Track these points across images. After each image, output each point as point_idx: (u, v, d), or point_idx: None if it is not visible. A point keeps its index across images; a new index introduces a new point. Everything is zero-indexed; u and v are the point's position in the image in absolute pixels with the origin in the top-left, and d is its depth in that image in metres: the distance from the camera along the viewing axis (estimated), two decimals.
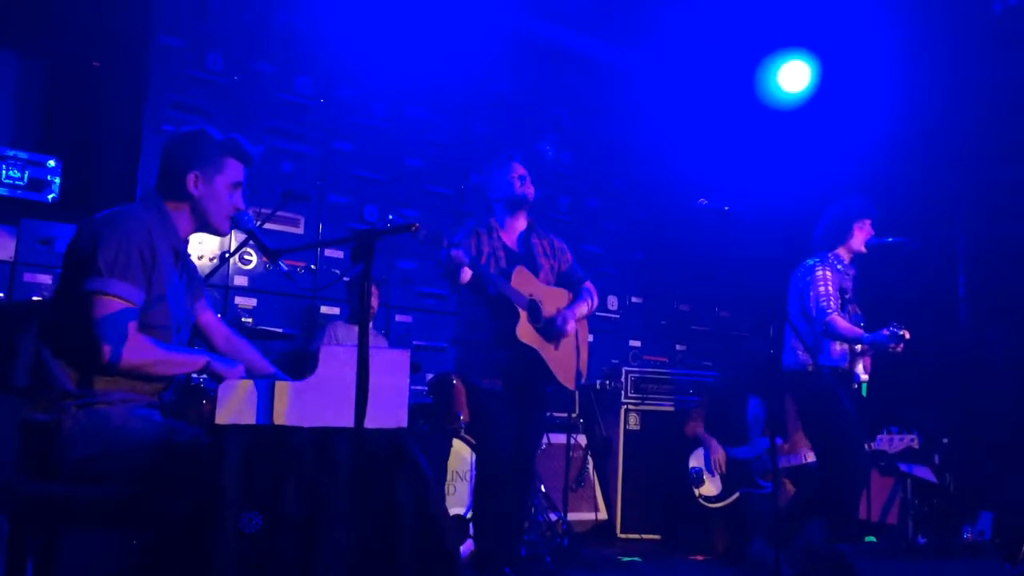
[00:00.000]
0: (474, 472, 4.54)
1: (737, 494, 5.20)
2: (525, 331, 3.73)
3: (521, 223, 4.04)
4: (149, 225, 2.52)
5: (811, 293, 4.47)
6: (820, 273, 4.50)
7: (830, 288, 4.45)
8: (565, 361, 3.92)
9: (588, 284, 4.11)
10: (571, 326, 3.87)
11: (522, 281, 3.79)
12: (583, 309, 4.00)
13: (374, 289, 5.12)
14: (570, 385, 3.94)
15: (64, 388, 2.40)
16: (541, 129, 6.52)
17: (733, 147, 6.87)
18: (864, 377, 4.53)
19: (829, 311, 4.39)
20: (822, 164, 6.30)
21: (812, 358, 4.40)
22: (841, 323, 4.37)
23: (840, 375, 4.48)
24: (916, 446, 4.82)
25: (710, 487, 5.29)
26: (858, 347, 4.47)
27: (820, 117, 6.54)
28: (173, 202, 2.63)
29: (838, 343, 4.45)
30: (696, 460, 5.38)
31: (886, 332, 4.25)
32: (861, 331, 4.37)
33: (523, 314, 3.73)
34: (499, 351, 3.77)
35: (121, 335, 2.37)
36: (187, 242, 2.70)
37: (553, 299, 3.93)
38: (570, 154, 6.60)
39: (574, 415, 5.62)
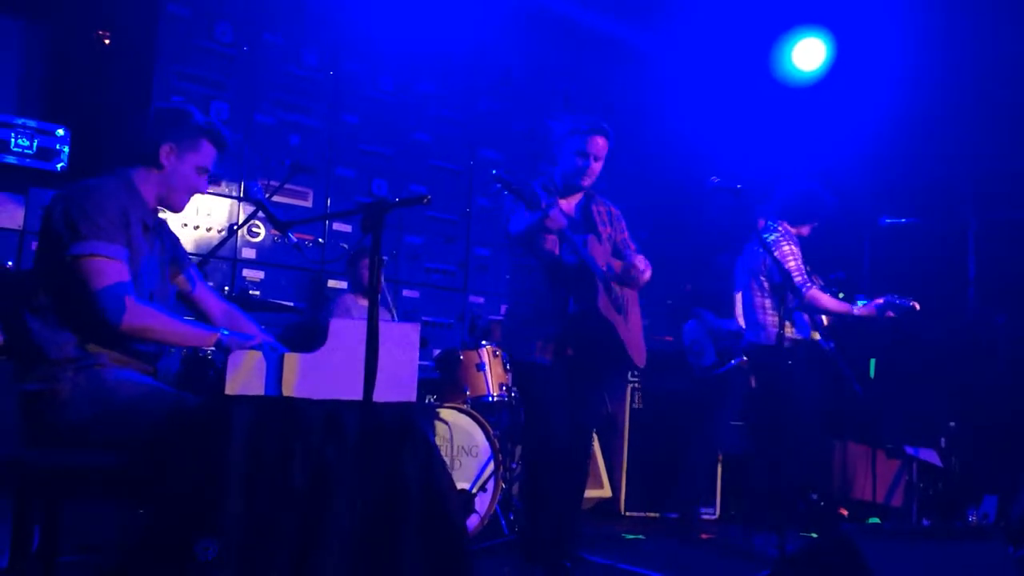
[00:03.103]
0: (491, 452, 4.53)
1: (732, 363, 5.22)
2: (605, 303, 3.51)
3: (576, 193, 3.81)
4: (120, 195, 2.55)
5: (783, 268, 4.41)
6: (786, 248, 4.45)
7: (799, 261, 4.41)
8: (635, 337, 3.73)
9: (641, 257, 3.84)
10: (643, 265, 3.65)
11: (595, 252, 3.56)
12: (646, 274, 3.74)
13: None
14: (640, 362, 3.74)
15: (53, 356, 2.42)
16: (549, 105, 6.46)
17: (746, 125, 6.81)
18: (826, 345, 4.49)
19: (807, 285, 4.34)
20: (836, 143, 6.25)
21: (780, 331, 4.35)
22: (824, 297, 4.34)
23: (807, 346, 4.44)
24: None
25: (708, 357, 5.31)
26: (824, 318, 4.44)
27: (834, 96, 6.47)
28: (142, 172, 2.65)
29: (804, 315, 4.41)
30: (691, 333, 5.40)
31: (880, 301, 4.22)
32: (848, 304, 4.33)
33: (601, 286, 3.50)
34: (558, 323, 3.55)
35: (122, 295, 2.40)
36: (156, 213, 2.71)
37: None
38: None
39: None
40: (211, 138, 2.70)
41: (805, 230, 4.60)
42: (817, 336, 4.47)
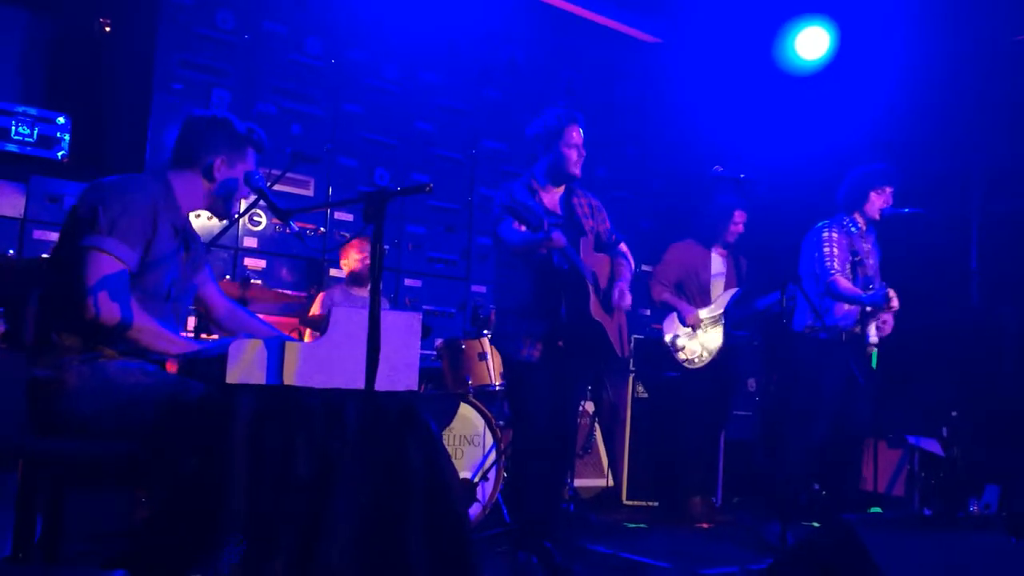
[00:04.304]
0: (494, 442, 4.56)
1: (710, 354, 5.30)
2: (596, 307, 3.63)
3: (561, 185, 3.90)
4: (155, 196, 2.58)
5: (816, 254, 4.51)
6: (827, 234, 4.56)
7: (835, 249, 4.49)
8: (622, 331, 3.85)
9: (623, 246, 3.97)
10: (628, 300, 3.77)
11: (585, 254, 3.67)
12: (629, 276, 3.88)
13: (367, 247, 5.05)
14: (624, 353, 3.85)
15: (64, 344, 2.42)
16: (553, 95, 6.44)
17: (749, 114, 6.78)
18: (874, 339, 4.52)
19: (832, 271, 4.44)
20: (839, 133, 6.23)
21: (819, 320, 4.43)
22: (842, 283, 4.41)
23: (846, 336, 4.48)
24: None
25: (691, 349, 5.32)
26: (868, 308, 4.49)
27: (838, 85, 6.45)
28: (186, 178, 2.70)
29: (846, 304, 4.48)
30: (671, 328, 5.39)
31: (879, 293, 4.28)
32: (860, 291, 4.39)
33: (592, 289, 3.61)
34: (546, 321, 3.65)
35: (114, 292, 2.39)
36: (187, 219, 2.75)
37: (601, 267, 3.82)
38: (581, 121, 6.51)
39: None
40: (255, 146, 2.80)
41: (872, 210, 4.58)
42: (872, 331, 4.49)
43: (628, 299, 3.78)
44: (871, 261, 4.63)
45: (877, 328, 4.48)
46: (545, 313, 3.65)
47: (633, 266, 3.96)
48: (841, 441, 4.52)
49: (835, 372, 4.47)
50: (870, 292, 4.40)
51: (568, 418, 3.83)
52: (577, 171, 3.80)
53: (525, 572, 3.63)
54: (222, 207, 2.79)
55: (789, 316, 4.69)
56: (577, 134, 3.77)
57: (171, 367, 2.67)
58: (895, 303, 4.31)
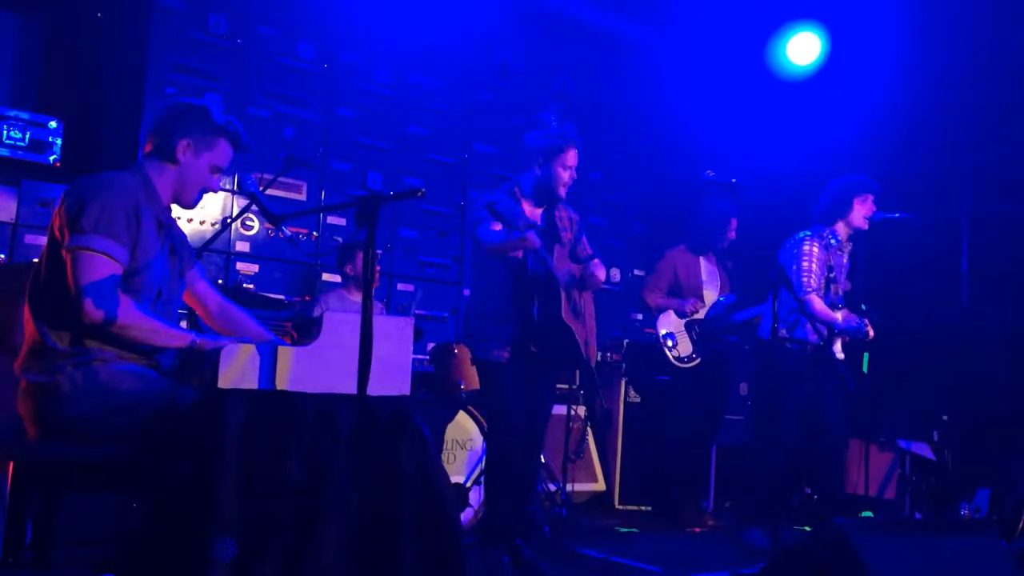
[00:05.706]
0: (485, 444, 4.57)
1: (699, 358, 5.35)
2: (567, 311, 3.72)
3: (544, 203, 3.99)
4: (136, 192, 2.53)
5: (794, 266, 4.48)
6: (807, 248, 4.52)
7: (813, 265, 4.47)
8: (590, 338, 3.94)
9: (596, 261, 4.06)
10: (602, 271, 3.90)
11: (559, 261, 3.77)
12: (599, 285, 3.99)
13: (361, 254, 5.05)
14: (592, 362, 3.94)
15: (57, 348, 2.40)
16: (546, 99, 6.45)
17: (742, 119, 6.81)
18: (840, 356, 4.55)
19: (808, 290, 4.41)
20: (830, 138, 6.26)
21: (788, 331, 4.44)
22: (817, 304, 4.40)
23: (815, 350, 4.48)
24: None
25: (683, 348, 5.34)
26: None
27: (829, 90, 6.48)
28: (158, 167, 2.64)
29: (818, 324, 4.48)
30: (665, 325, 5.40)
31: (855, 323, 4.31)
32: (835, 316, 4.40)
33: (564, 295, 3.71)
34: (518, 325, 3.74)
35: (105, 291, 2.37)
36: (170, 210, 2.70)
37: None
38: (574, 124, 6.54)
39: (574, 387, 5.61)
40: (228, 138, 2.70)
41: (857, 219, 4.59)
42: (838, 348, 4.51)
43: (602, 271, 3.91)
44: (843, 278, 4.63)
45: (843, 344, 4.51)
46: (516, 317, 3.76)
47: (603, 278, 4.04)
48: (821, 447, 4.53)
49: (805, 380, 4.46)
50: (847, 320, 4.41)
51: (537, 419, 3.92)
52: (563, 193, 3.90)
53: (494, 569, 3.70)
54: (183, 195, 2.69)
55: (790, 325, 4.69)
56: (573, 157, 3.86)
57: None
58: (871, 334, 4.36)
